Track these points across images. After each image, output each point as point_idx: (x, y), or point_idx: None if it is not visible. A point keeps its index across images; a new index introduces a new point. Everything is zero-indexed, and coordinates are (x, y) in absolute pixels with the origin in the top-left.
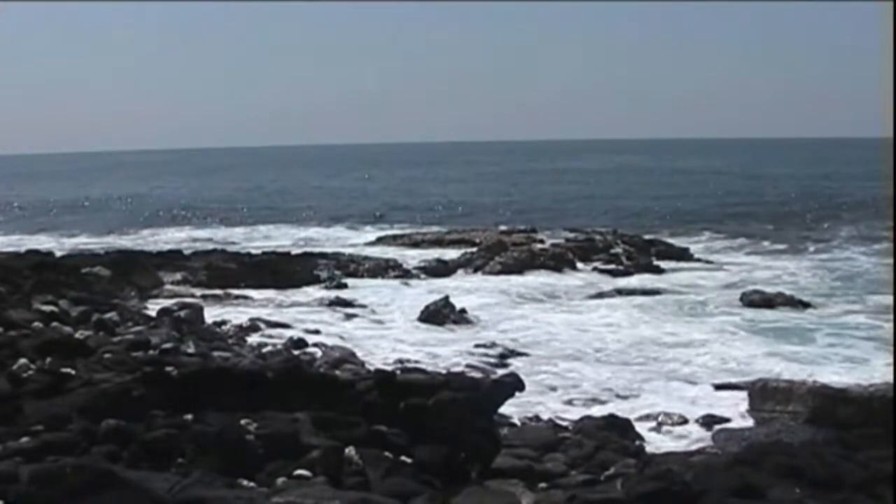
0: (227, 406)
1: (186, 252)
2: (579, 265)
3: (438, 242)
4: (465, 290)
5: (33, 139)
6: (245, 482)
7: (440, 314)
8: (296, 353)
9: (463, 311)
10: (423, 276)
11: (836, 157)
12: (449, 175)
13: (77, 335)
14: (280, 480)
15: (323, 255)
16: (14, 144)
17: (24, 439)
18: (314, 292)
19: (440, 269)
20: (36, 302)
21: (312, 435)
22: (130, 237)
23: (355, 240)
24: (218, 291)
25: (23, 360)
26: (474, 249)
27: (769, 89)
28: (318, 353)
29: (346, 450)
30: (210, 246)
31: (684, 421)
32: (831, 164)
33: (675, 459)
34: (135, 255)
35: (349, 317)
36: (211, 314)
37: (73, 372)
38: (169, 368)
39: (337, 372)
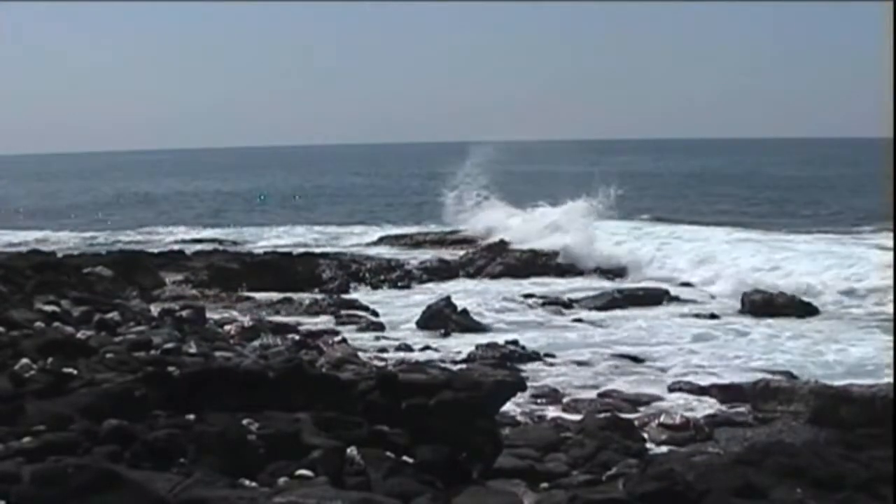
0: (228, 406)
1: (188, 252)
2: None
3: (440, 242)
4: (467, 290)
5: (34, 139)
6: (247, 482)
7: (442, 314)
8: (297, 353)
9: (465, 311)
10: (424, 276)
11: (836, 157)
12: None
13: (79, 335)
14: (282, 480)
15: (325, 256)
16: (13, 144)
17: (26, 439)
18: (316, 293)
19: (442, 270)
20: (38, 302)
21: (314, 435)
22: (135, 236)
23: (358, 239)
24: (220, 291)
25: (25, 360)
26: (476, 250)
27: (769, 90)
28: (320, 353)
29: (348, 450)
30: (219, 246)
31: (686, 421)
32: (831, 164)
33: (676, 459)
34: (136, 255)
35: (351, 317)
36: (212, 314)
37: (74, 372)
38: (171, 368)
39: (338, 372)
